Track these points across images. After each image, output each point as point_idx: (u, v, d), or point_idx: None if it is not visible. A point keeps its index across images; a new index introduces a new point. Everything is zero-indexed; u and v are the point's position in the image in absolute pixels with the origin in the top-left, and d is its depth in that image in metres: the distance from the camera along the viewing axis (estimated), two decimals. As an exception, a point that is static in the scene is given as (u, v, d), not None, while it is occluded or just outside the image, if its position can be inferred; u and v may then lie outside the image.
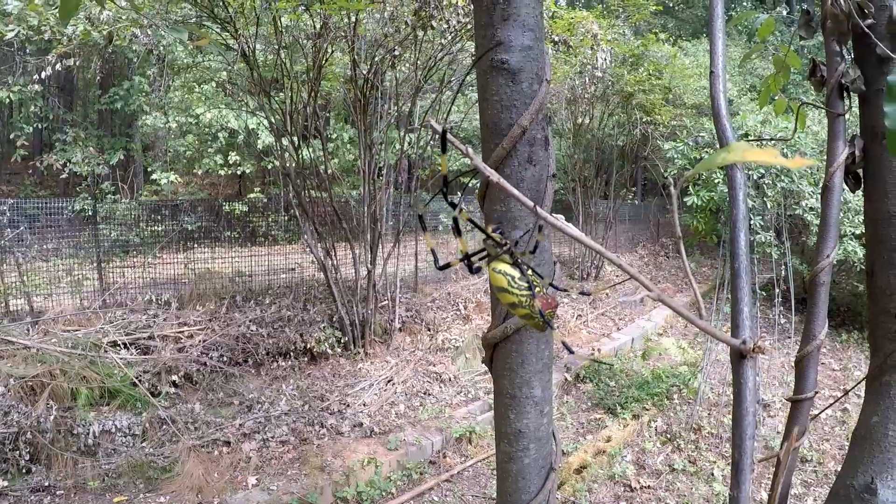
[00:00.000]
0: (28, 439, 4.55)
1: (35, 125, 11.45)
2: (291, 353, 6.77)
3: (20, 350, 5.27)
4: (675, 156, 9.10)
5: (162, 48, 8.60)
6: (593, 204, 11.29)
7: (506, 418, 1.44)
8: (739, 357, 1.19)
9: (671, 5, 24.07)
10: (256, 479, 4.68)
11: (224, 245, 9.13)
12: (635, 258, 13.51)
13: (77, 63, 8.83)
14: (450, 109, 8.98)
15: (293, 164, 7.10)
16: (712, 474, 5.41)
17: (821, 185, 1.47)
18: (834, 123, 1.43)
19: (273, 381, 6.37)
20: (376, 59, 6.86)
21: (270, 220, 10.03)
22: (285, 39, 7.40)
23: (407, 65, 7.52)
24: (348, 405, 6.06)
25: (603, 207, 11.39)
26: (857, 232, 7.78)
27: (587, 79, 9.97)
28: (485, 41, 1.38)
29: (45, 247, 6.91)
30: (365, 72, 7.00)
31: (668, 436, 6.08)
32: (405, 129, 7.90)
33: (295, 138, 6.95)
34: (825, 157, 1.44)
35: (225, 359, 6.38)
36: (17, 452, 4.52)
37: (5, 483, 4.43)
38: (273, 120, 6.79)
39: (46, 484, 4.37)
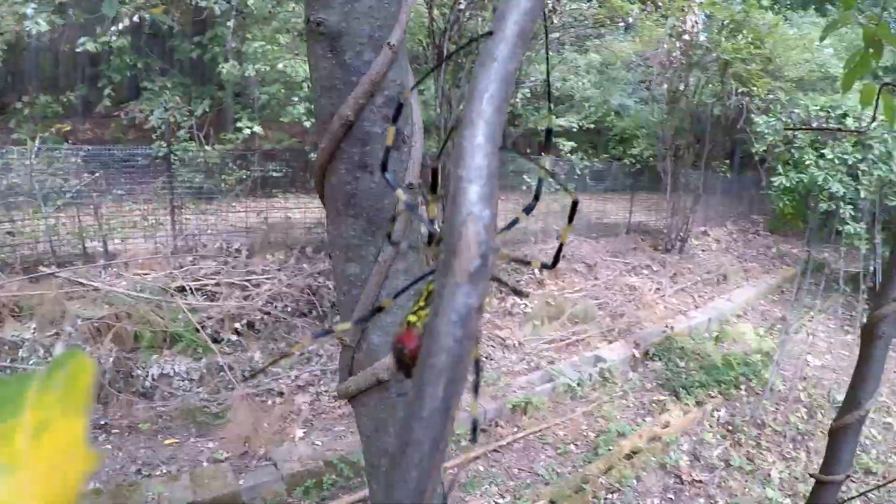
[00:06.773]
0: (88, 379, 4.69)
1: (125, 74, 11.71)
2: (356, 308, 6.69)
3: (90, 292, 5.44)
4: (766, 131, 8.51)
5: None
6: (683, 174, 10.65)
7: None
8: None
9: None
10: (303, 433, 4.66)
11: (307, 194, 8.92)
12: (724, 233, 12.69)
13: (159, 12, 8.95)
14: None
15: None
16: (769, 476, 4.99)
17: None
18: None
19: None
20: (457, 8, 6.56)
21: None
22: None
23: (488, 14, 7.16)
24: (406, 365, 5.95)
25: (694, 178, 10.73)
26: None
27: (679, 44, 9.30)
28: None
29: (119, 192, 7.11)
30: (442, 24, 6.70)
31: (730, 428, 5.67)
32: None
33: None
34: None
35: (289, 309, 6.35)
36: (76, 390, 4.68)
37: (61, 418, 4.59)
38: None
39: (102, 422, 4.51)
